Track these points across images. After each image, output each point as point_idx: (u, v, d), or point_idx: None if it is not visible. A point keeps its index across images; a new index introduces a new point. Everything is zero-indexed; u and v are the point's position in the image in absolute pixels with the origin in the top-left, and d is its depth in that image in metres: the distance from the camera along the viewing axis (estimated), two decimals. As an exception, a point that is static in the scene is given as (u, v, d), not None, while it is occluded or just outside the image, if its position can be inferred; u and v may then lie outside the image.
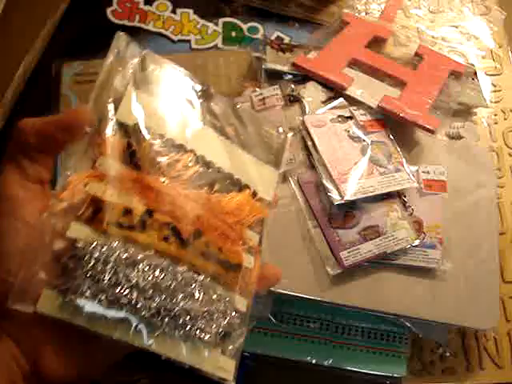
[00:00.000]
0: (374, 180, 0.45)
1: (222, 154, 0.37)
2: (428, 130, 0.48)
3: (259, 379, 0.46)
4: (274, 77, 0.52)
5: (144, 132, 0.35)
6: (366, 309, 0.43)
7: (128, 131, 0.35)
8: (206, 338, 0.33)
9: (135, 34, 0.56)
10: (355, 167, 0.45)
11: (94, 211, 0.33)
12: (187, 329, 0.32)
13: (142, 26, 0.58)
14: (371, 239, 0.43)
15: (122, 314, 0.30)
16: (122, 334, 0.30)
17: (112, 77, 0.35)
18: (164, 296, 0.31)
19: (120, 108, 0.34)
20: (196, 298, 0.33)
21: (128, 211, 0.33)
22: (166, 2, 0.59)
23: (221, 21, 0.59)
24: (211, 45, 0.58)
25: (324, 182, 0.45)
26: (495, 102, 0.58)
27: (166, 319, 0.31)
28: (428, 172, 0.48)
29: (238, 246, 0.36)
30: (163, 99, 0.36)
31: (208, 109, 0.38)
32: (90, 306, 0.29)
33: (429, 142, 0.50)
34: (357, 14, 0.58)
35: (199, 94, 0.38)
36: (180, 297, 0.32)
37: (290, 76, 0.52)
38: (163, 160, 0.35)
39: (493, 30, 0.61)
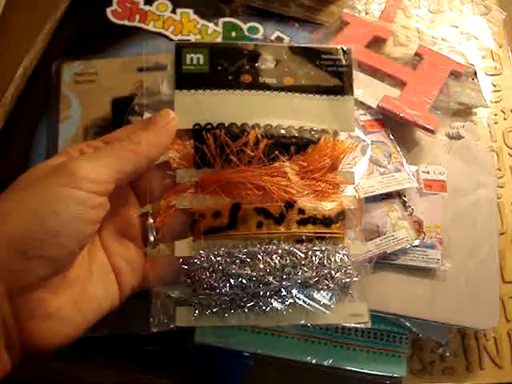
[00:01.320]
0: (374, 180, 0.45)
1: (286, 111, 0.36)
2: (428, 130, 0.48)
3: (259, 379, 0.46)
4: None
5: (205, 130, 0.35)
6: (365, 309, 0.43)
7: (189, 135, 0.35)
8: (329, 296, 0.34)
9: (135, 34, 0.56)
10: (355, 167, 0.45)
11: (191, 223, 0.35)
12: (308, 296, 0.34)
13: (142, 26, 0.58)
14: (371, 239, 0.43)
15: (247, 304, 0.33)
16: (249, 321, 0.34)
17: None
18: (277, 277, 0.33)
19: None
20: (305, 265, 0.34)
21: (218, 213, 0.34)
22: (166, 1, 0.59)
23: (221, 21, 0.59)
24: (211, 45, 0.58)
25: (324, 181, 0.45)
26: (495, 102, 0.57)
27: (286, 296, 0.34)
28: (428, 172, 0.48)
29: (334, 194, 0.36)
30: (206, 88, 0.36)
31: (257, 70, 0.36)
32: (218, 310, 0.33)
33: (429, 142, 0.50)
34: (357, 14, 0.58)
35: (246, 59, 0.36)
36: (291, 272, 0.33)
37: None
38: (232, 149, 0.34)
39: (493, 30, 0.60)
